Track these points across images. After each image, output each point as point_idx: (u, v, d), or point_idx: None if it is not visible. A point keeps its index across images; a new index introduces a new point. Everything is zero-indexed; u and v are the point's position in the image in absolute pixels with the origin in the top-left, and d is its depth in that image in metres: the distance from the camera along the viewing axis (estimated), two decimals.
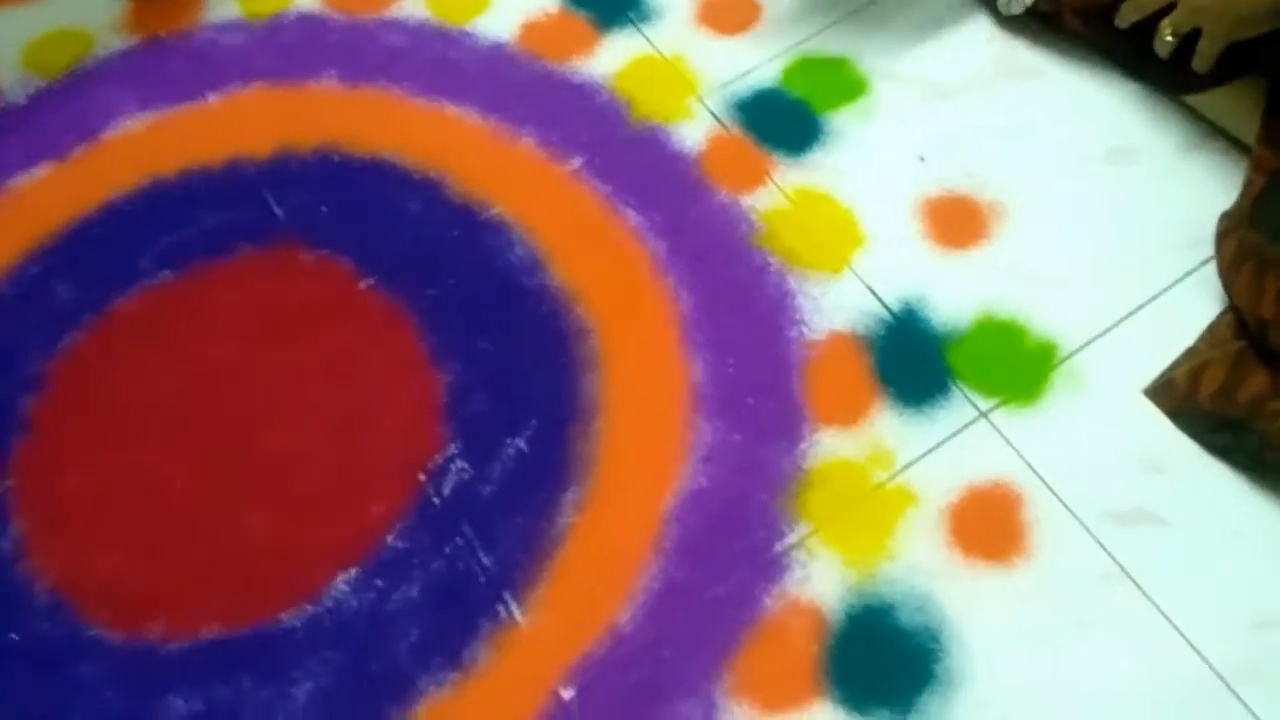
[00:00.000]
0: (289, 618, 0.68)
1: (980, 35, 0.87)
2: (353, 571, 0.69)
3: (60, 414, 0.76)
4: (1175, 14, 0.74)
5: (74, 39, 0.93)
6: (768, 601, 0.66)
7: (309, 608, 0.68)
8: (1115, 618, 0.65)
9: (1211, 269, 0.74)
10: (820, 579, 0.67)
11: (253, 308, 0.80)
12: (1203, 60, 0.73)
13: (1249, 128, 0.76)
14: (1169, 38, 0.74)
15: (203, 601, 0.69)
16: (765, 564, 0.68)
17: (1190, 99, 0.80)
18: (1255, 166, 0.73)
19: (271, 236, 0.82)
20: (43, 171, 0.86)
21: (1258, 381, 0.67)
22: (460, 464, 0.73)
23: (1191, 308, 0.74)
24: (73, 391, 0.77)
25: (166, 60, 0.91)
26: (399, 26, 0.91)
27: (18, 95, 0.90)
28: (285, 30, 0.92)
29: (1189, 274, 0.76)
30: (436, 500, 0.71)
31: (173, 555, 0.71)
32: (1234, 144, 0.78)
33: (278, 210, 0.83)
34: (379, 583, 0.69)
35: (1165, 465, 0.69)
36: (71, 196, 0.85)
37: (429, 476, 0.72)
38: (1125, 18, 0.77)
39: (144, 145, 0.87)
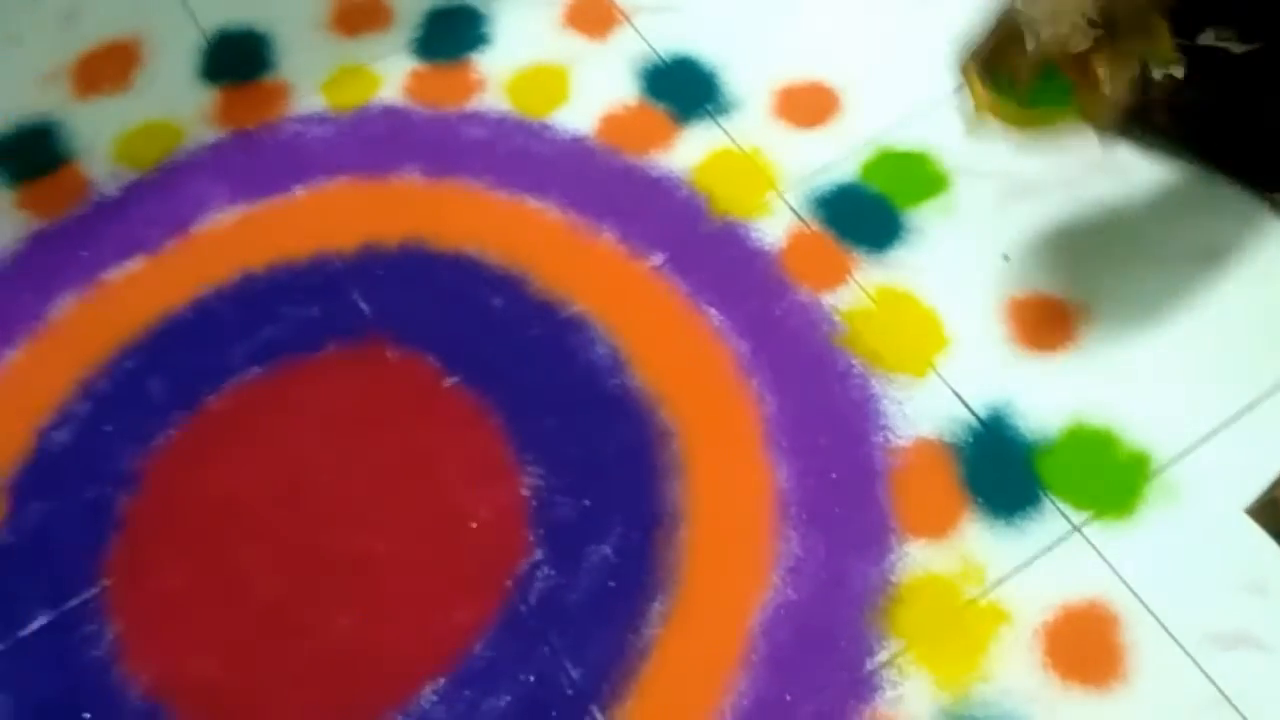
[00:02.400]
0: None
1: (1066, 130, 0.86)
2: (441, 681, 0.69)
3: (154, 512, 0.78)
4: None
5: (165, 132, 0.95)
6: None
7: (399, 718, 0.69)
8: None
9: None
10: (912, 700, 0.66)
11: (340, 405, 0.81)
12: None
13: None
14: None
15: (295, 708, 0.70)
16: (856, 683, 0.67)
17: None
18: None
19: (358, 333, 0.83)
20: (135, 265, 0.88)
21: None
22: (546, 570, 0.73)
23: None
24: (166, 490, 0.78)
25: (255, 153, 0.93)
26: (480, 119, 0.93)
27: (110, 188, 0.93)
28: (369, 123, 0.94)
29: None
30: (523, 608, 0.72)
31: (265, 658, 0.72)
32: None
33: (364, 306, 0.84)
34: (467, 693, 0.69)
35: (1269, 586, 0.68)
36: (163, 291, 0.87)
37: (515, 583, 0.73)
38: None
39: (234, 239, 0.89)
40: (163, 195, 0.92)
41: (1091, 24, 0.66)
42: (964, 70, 0.71)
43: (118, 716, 0.70)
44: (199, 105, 0.96)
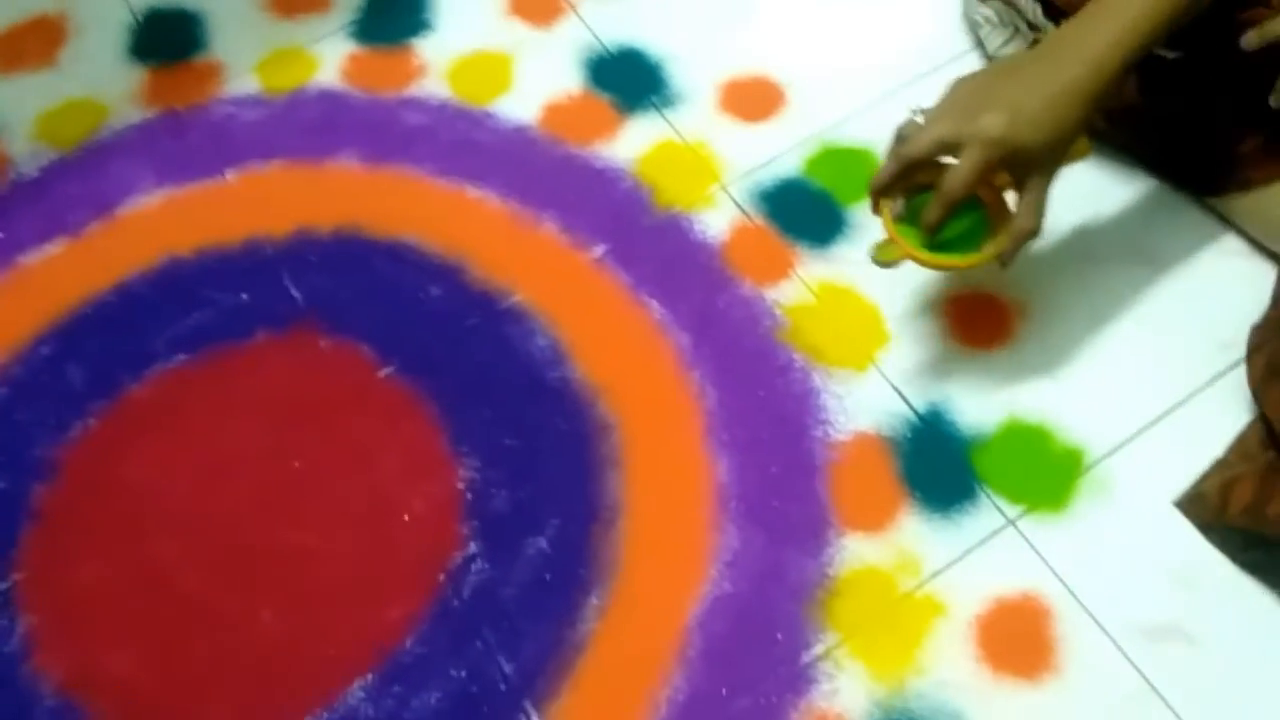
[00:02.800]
0: None
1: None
2: (369, 678, 0.67)
3: (70, 503, 0.75)
4: None
5: (89, 110, 0.92)
6: (794, 716, 0.65)
7: (325, 715, 0.67)
8: None
9: (1240, 373, 0.74)
10: (848, 693, 0.66)
11: (269, 395, 0.78)
12: None
13: (1274, 233, 0.77)
14: None
15: (217, 706, 0.67)
16: (792, 676, 0.67)
17: (1215, 202, 0.80)
18: None
19: (289, 320, 0.81)
20: (55, 248, 0.85)
21: None
22: (481, 564, 0.71)
23: (1221, 413, 0.73)
24: (83, 480, 0.75)
25: (184, 135, 0.90)
26: (420, 106, 0.91)
27: (30, 168, 0.89)
28: (305, 107, 0.91)
29: (1217, 378, 0.75)
30: (456, 602, 0.70)
31: (185, 654, 0.69)
32: (1261, 249, 0.79)
33: (296, 293, 0.82)
34: (397, 689, 0.67)
35: (1195, 580, 0.68)
36: (85, 275, 0.83)
37: (449, 577, 0.71)
38: (1251, 42, 0.66)
39: (160, 223, 0.86)
40: (85, 176, 0.89)
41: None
42: (873, 204, 0.68)
43: (29, 714, 0.67)
44: (126, 84, 0.93)
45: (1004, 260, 0.67)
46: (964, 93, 0.66)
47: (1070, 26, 0.66)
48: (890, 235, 0.68)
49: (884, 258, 0.70)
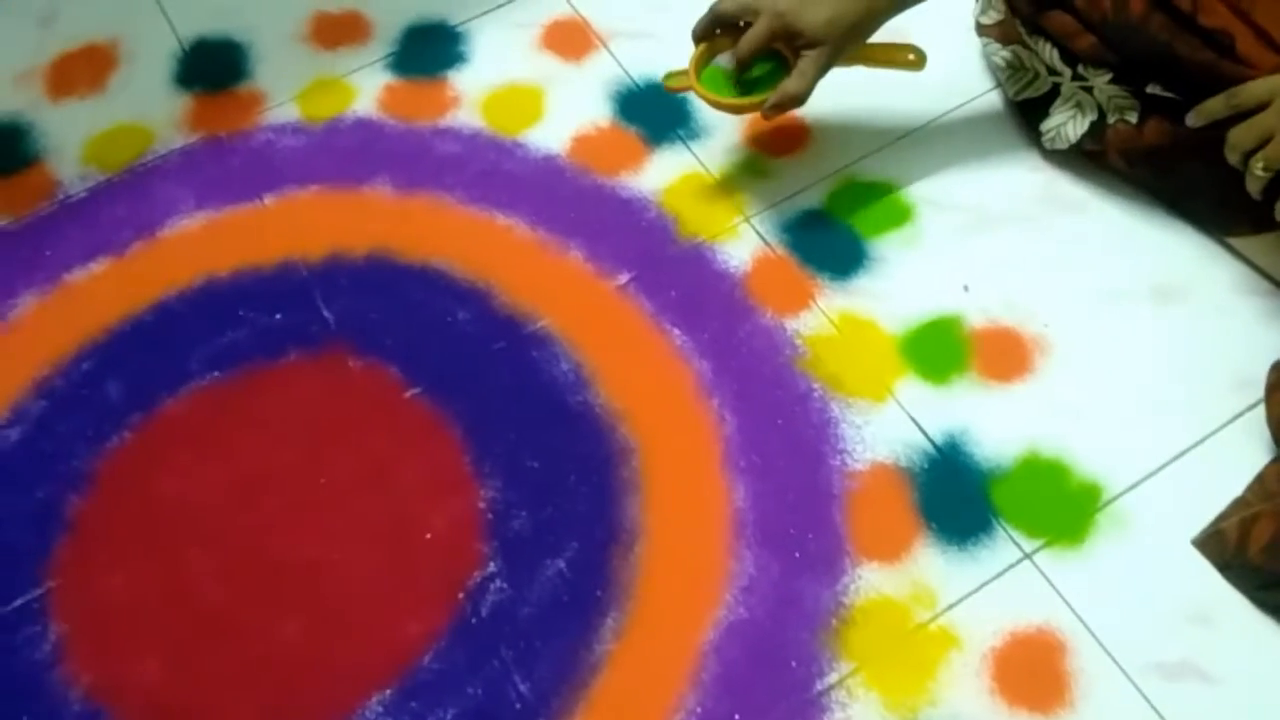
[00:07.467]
0: None
1: (1025, 167, 0.88)
2: (387, 693, 0.69)
3: (104, 515, 0.77)
4: (1269, 150, 0.68)
5: (135, 135, 0.95)
6: None
7: None
8: None
9: (1260, 412, 0.74)
10: None
11: (299, 413, 0.80)
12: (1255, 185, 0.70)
13: None
14: (1260, 173, 0.69)
15: (238, 714, 0.69)
16: (805, 704, 0.67)
17: (1234, 241, 0.81)
18: None
19: (321, 341, 0.83)
20: (99, 267, 0.88)
21: None
22: (499, 584, 0.72)
23: (1241, 452, 0.73)
24: (117, 492, 0.77)
25: (225, 160, 0.93)
26: (453, 135, 0.93)
27: (78, 189, 0.92)
28: (342, 134, 0.94)
29: (1237, 417, 0.75)
30: (474, 621, 0.71)
31: (210, 665, 0.71)
32: None
33: (328, 314, 0.84)
34: (414, 705, 0.68)
35: (1213, 618, 0.68)
36: (126, 293, 0.86)
37: (468, 595, 0.72)
38: (1194, 121, 0.73)
39: (200, 244, 0.88)
40: (130, 198, 0.92)
41: None
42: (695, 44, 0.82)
43: (58, 719, 0.69)
44: (171, 110, 0.97)
45: (765, 112, 0.78)
46: None
47: None
48: (689, 68, 0.82)
49: (671, 84, 0.85)
